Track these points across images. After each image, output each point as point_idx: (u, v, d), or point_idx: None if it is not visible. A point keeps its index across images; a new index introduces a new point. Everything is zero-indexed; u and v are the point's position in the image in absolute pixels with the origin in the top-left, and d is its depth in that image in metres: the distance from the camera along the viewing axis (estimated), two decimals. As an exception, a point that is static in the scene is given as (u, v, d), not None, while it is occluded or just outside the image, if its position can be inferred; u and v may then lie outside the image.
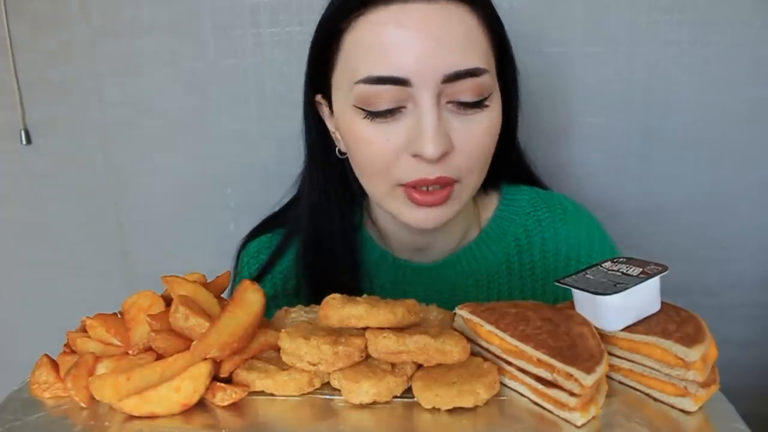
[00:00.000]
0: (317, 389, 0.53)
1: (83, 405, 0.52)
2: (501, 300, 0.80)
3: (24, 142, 1.17)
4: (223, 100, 1.13)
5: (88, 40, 1.13)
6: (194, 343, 0.52)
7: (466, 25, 0.66)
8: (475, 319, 0.54)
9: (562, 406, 0.48)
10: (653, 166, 1.06)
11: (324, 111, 0.77)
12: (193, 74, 1.12)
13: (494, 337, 0.53)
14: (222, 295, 0.63)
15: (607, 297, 0.50)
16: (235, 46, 1.10)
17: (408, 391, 0.51)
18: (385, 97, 0.66)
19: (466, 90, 0.66)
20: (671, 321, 0.51)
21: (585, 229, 0.83)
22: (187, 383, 0.50)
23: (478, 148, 0.69)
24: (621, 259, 0.56)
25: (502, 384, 0.52)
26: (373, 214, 0.84)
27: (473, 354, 0.54)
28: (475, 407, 0.49)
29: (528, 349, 0.49)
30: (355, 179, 0.77)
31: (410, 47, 0.64)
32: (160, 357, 0.54)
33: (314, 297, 0.78)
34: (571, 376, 0.46)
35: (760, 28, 1.00)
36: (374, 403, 0.50)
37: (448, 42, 0.65)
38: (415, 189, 0.69)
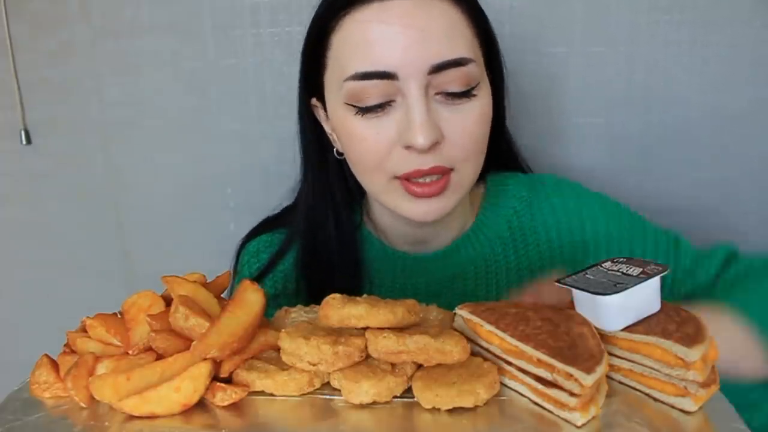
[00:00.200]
0: (317, 389, 0.53)
1: (83, 405, 0.52)
2: (500, 283, 0.81)
3: (24, 142, 1.18)
4: (223, 100, 1.13)
5: (88, 40, 1.13)
6: (194, 343, 0.52)
7: (449, 17, 0.68)
8: (475, 319, 0.54)
9: (562, 406, 0.48)
10: (653, 166, 1.06)
11: (320, 114, 0.79)
12: (193, 74, 1.12)
13: (494, 337, 0.53)
14: (222, 295, 0.63)
15: (607, 297, 0.50)
16: (235, 46, 1.10)
17: (408, 391, 0.51)
18: (373, 92, 0.67)
19: (453, 80, 0.67)
20: (671, 321, 0.51)
21: (570, 196, 0.84)
22: (187, 383, 0.50)
23: (470, 136, 0.70)
24: (621, 259, 0.56)
25: (502, 384, 0.52)
26: (371, 212, 0.85)
27: (473, 354, 0.54)
28: (475, 407, 0.49)
29: (528, 349, 0.49)
30: (354, 179, 0.78)
31: (395, 42, 0.66)
32: (160, 357, 0.54)
33: (314, 298, 0.79)
34: (571, 376, 0.46)
35: (760, 28, 1.00)
36: (374, 403, 0.50)
37: (431, 34, 0.66)
38: (412, 181, 0.70)
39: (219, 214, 1.18)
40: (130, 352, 0.55)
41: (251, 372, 0.53)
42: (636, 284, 0.51)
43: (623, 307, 0.51)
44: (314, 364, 0.52)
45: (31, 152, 1.19)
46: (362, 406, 0.51)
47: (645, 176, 1.07)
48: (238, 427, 0.49)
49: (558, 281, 0.54)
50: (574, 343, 0.49)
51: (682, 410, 0.49)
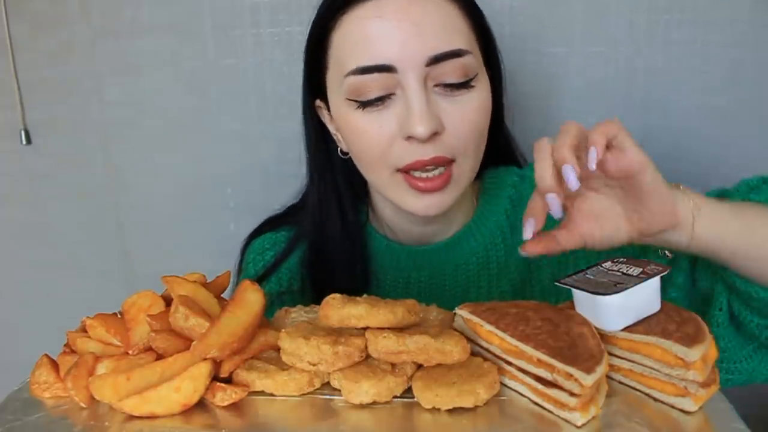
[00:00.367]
0: (317, 389, 0.53)
1: (83, 405, 0.52)
2: (501, 271, 0.82)
3: (24, 142, 1.18)
4: (223, 100, 1.13)
5: (88, 40, 1.13)
6: (194, 343, 0.52)
7: (444, 11, 0.69)
8: (475, 319, 0.54)
9: (562, 406, 0.48)
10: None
11: (324, 115, 0.80)
12: (193, 74, 1.12)
13: (494, 337, 0.53)
14: (222, 295, 0.63)
15: (607, 297, 0.50)
16: (235, 46, 1.10)
17: (408, 391, 0.51)
18: (373, 86, 0.69)
19: (450, 71, 0.69)
20: (671, 321, 0.51)
21: None
22: (187, 383, 0.50)
23: (470, 126, 0.71)
24: (621, 259, 0.56)
25: (502, 384, 0.52)
26: (376, 209, 0.86)
27: (473, 354, 0.54)
28: (475, 407, 0.49)
29: (528, 349, 0.49)
30: (359, 178, 0.79)
31: (392, 36, 0.67)
32: (160, 357, 0.54)
33: (320, 296, 0.79)
34: (571, 376, 0.46)
35: (760, 28, 1.00)
36: (374, 403, 0.50)
37: (428, 27, 0.68)
38: (415, 176, 0.71)
39: (219, 214, 1.18)
40: (130, 352, 0.55)
41: (251, 372, 0.53)
42: (636, 284, 0.51)
43: (623, 307, 0.51)
44: (314, 364, 0.52)
45: (31, 152, 1.19)
46: (362, 406, 0.51)
47: (645, 176, 1.07)
48: (238, 427, 0.49)
49: (558, 281, 0.54)
50: (574, 343, 0.49)
51: (682, 410, 0.49)
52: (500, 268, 0.83)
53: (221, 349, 0.52)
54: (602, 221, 0.60)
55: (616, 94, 1.05)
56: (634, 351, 0.51)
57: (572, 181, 0.54)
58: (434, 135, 0.69)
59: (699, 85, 1.03)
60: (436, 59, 0.68)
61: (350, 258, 0.83)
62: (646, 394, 0.51)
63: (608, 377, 0.53)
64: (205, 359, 0.51)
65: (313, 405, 0.52)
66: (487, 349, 0.54)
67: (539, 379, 0.49)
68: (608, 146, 0.56)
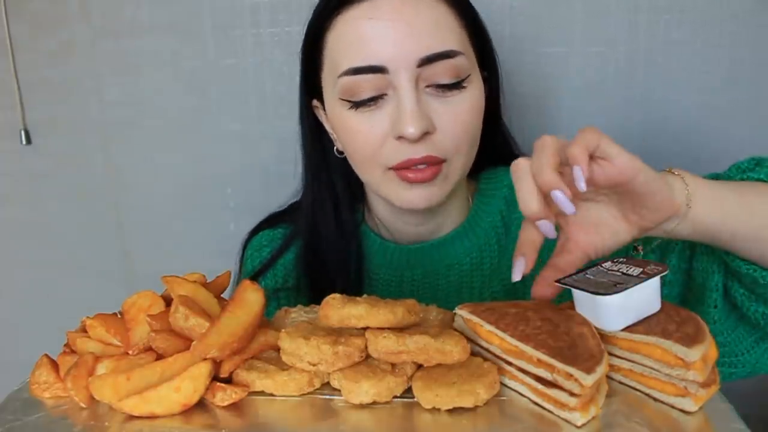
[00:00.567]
0: (317, 389, 0.53)
1: (83, 405, 0.52)
2: (495, 272, 0.82)
3: (24, 142, 1.18)
4: (223, 100, 1.13)
5: (88, 40, 1.13)
6: (194, 343, 0.52)
7: (436, 12, 0.70)
8: (475, 319, 0.54)
9: (562, 406, 0.48)
10: (653, 166, 1.06)
11: (321, 115, 0.81)
12: (193, 74, 1.12)
13: (494, 337, 0.53)
14: (222, 295, 0.63)
15: (607, 297, 0.50)
16: (235, 46, 1.10)
17: (408, 391, 0.51)
18: (365, 86, 0.69)
19: (442, 72, 0.69)
20: (671, 321, 0.51)
21: None
22: (187, 383, 0.50)
23: (462, 126, 0.71)
24: (621, 259, 0.56)
25: (502, 384, 0.52)
26: (372, 209, 0.86)
27: (473, 354, 0.54)
28: (475, 407, 0.49)
29: (528, 349, 0.49)
30: (354, 178, 0.80)
31: (384, 36, 0.68)
32: (160, 357, 0.54)
33: (314, 294, 0.80)
34: (571, 376, 0.46)
35: (760, 28, 1.00)
36: (374, 403, 0.50)
37: (419, 28, 0.68)
38: (406, 169, 0.71)
39: (219, 214, 1.18)
40: (130, 352, 0.55)
41: (251, 372, 0.53)
42: (636, 284, 0.51)
43: (623, 307, 0.51)
44: (314, 364, 0.52)
45: (31, 152, 1.19)
46: (362, 406, 0.51)
47: (645, 176, 1.07)
48: (238, 427, 0.49)
49: (558, 281, 0.54)
50: (574, 343, 0.49)
51: (682, 410, 0.49)
52: (493, 269, 0.83)
53: (221, 349, 0.52)
54: (601, 229, 0.59)
55: (615, 94, 1.05)
56: (634, 351, 0.51)
57: (568, 207, 0.52)
58: (425, 135, 0.69)
59: (699, 84, 1.04)
60: (428, 60, 0.68)
61: (344, 257, 0.83)
62: (646, 394, 0.51)
63: (608, 377, 0.53)
64: (205, 359, 0.51)
65: (313, 405, 0.52)
66: (487, 349, 0.54)
67: (539, 379, 0.49)
68: (591, 157, 0.53)
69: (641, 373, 0.51)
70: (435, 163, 0.71)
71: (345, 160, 0.79)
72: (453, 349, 0.51)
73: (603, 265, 0.56)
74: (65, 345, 0.59)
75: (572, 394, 0.47)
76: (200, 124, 1.15)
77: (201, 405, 0.52)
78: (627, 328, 0.51)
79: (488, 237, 0.83)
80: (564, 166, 0.53)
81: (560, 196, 0.52)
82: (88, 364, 0.54)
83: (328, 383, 0.53)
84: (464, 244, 0.83)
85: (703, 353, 0.48)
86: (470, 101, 0.72)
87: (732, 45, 1.01)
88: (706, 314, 0.66)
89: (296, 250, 0.86)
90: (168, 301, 0.59)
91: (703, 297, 0.67)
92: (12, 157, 1.19)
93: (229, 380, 0.53)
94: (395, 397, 0.51)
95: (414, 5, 0.69)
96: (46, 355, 0.58)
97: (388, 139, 0.71)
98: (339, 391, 0.52)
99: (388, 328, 0.52)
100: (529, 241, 0.57)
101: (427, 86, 0.70)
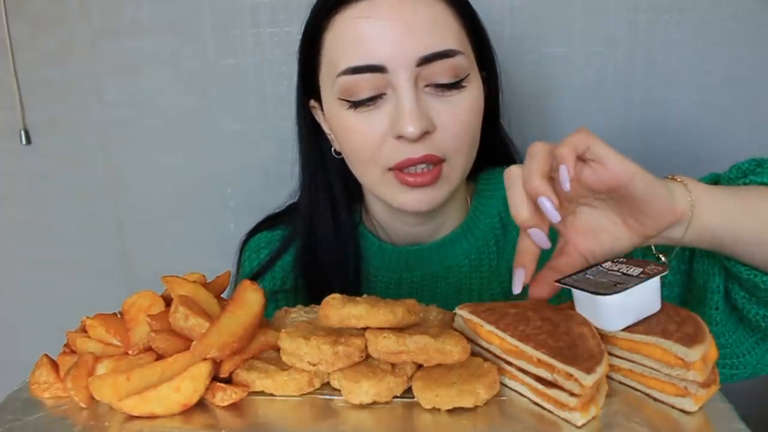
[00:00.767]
0: (317, 389, 0.53)
1: (83, 405, 0.52)
2: (493, 274, 0.82)
3: (24, 142, 1.18)
4: (223, 100, 1.13)
5: (88, 40, 1.13)
6: (194, 343, 0.52)
7: (434, 10, 0.69)
8: (475, 319, 0.54)
9: (562, 406, 0.48)
10: (653, 166, 1.06)
11: (319, 115, 0.80)
12: (193, 74, 1.12)
13: (494, 337, 0.53)
14: (222, 295, 0.63)
15: (607, 297, 0.50)
16: (235, 46, 1.10)
17: (408, 391, 0.51)
18: (364, 86, 0.69)
19: (441, 72, 0.69)
20: (671, 321, 0.51)
21: None
22: (187, 383, 0.50)
23: (462, 126, 0.71)
24: (621, 259, 0.56)
25: (502, 384, 0.52)
26: (370, 210, 0.86)
27: (473, 354, 0.54)
28: (475, 407, 0.49)
29: (528, 349, 0.49)
30: (352, 179, 0.80)
31: (383, 35, 0.68)
32: (160, 357, 0.54)
33: (312, 296, 0.80)
34: (571, 376, 0.46)
35: (760, 27, 1.00)
36: (374, 403, 0.50)
37: (418, 27, 0.68)
38: (405, 171, 0.71)
39: (219, 214, 1.18)
40: (130, 352, 0.55)
41: (251, 372, 0.53)
42: (636, 284, 0.51)
43: (623, 307, 0.51)
44: (314, 364, 0.52)
45: (31, 152, 1.19)
46: (362, 406, 0.51)
47: (645, 176, 1.07)
48: (238, 427, 0.49)
49: (558, 281, 0.54)
50: (574, 343, 0.49)
51: (682, 410, 0.49)
52: (492, 270, 0.83)
53: (221, 349, 0.52)
54: (600, 234, 0.58)
55: (615, 93, 1.05)
56: (634, 351, 0.51)
57: (552, 214, 0.51)
58: (425, 135, 0.69)
59: (698, 84, 1.04)
60: (427, 59, 0.68)
61: (342, 258, 0.83)
62: (646, 394, 0.51)
63: (608, 377, 0.53)
64: (205, 359, 0.51)
65: (313, 405, 0.52)
66: (487, 349, 0.54)
67: (539, 379, 0.49)
68: (583, 159, 0.53)
69: (641, 373, 0.51)
70: (434, 162, 0.70)
71: (342, 160, 0.79)
72: (453, 349, 0.51)
73: (603, 265, 0.56)
74: (65, 345, 0.59)
75: (572, 394, 0.47)
76: (200, 124, 1.15)
77: (201, 405, 0.52)
78: (627, 328, 0.51)
79: (487, 238, 0.83)
80: (555, 172, 0.53)
81: (546, 204, 0.51)
82: (88, 364, 0.54)
83: (328, 383, 0.53)
84: (463, 246, 0.83)
85: (703, 353, 0.48)
86: (470, 101, 0.71)
87: (731, 44, 1.01)
88: (708, 316, 0.66)
89: (294, 252, 0.86)
90: (168, 301, 0.59)
91: (704, 299, 0.67)
92: (12, 157, 1.20)
93: (229, 380, 0.53)
94: (395, 397, 0.51)
95: (412, 4, 0.68)
96: (46, 355, 0.58)
97: (387, 138, 0.70)
98: (339, 391, 0.52)
99: (388, 328, 0.52)
100: (527, 250, 0.56)
101: (426, 86, 0.69)
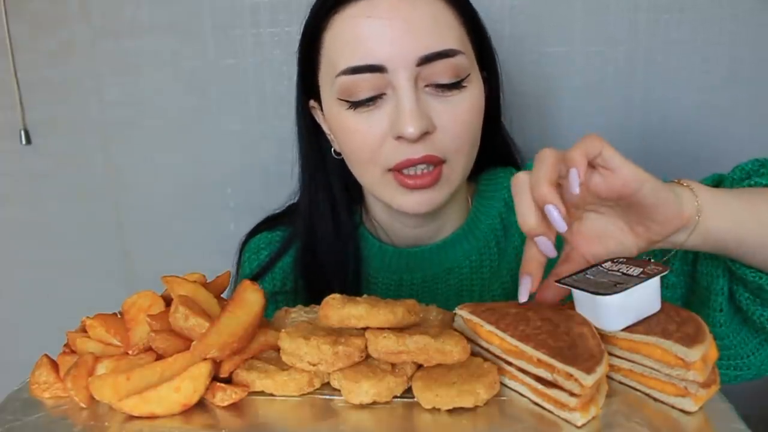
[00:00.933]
0: (317, 389, 0.53)
1: (83, 405, 0.52)
2: (494, 275, 0.81)
3: (24, 142, 1.18)
4: (223, 100, 1.13)
5: (88, 40, 1.13)
6: (194, 343, 0.52)
7: (434, 9, 0.69)
8: (475, 319, 0.54)
9: (562, 406, 0.48)
10: (653, 166, 1.06)
11: (319, 115, 0.80)
12: (193, 74, 1.12)
13: (494, 337, 0.53)
14: (222, 295, 0.63)
15: (607, 297, 0.50)
16: (235, 46, 1.10)
17: (408, 391, 0.51)
18: (364, 86, 0.69)
19: (441, 71, 0.68)
20: (671, 321, 0.51)
21: None
22: (187, 383, 0.50)
23: (462, 126, 0.71)
24: (621, 259, 0.56)
25: (502, 384, 0.52)
26: (370, 212, 0.85)
27: (473, 354, 0.54)
28: (475, 407, 0.49)
29: (528, 349, 0.49)
30: (352, 179, 0.79)
31: (382, 35, 0.67)
32: (160, 357, 0.54)
33: (312, 296, 0.80)
34: (571, 376, 0.46)
35: (760, 27, 1.00)
36: (374, 403, 0.50)
37: (418, 26, 0.67)
38: (404, 173, 0.71)
39: (219, 214, 1.18)
40: (130, 352, 0.55)
41: (251, 372, 0.53)
42: (636, 284, 0.51)
43: (623, 307, 0.51)
44: (314, 364, 0.52)
45: (31, 152, 1.19)
46: (362, 406, 0.51)
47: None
48: (238, 427, 0.49)
49: (558, 281, 0.54)
50: (574, 343, 0.49)
51: (682, 410, 0.49)
52: (493, 272, 0.82)
53: (221, 349, 0.52)
54: (606, 240, 0.58)
55: (616, 93, 1.05)
56: (634, 351, 0.51)
57: (559, 223, 0.51)
58: (425, 135, 0.68)
59: (698, 83, 1.04)
60: (427, 59, 0.67)
61: (342, 260, 0.82)
62: (646, 394, 0.51)
63: (608, 377, 0.53)
64: (205, 359, 0.51)
65: (313, 405, 0.52)
66: (487, 349, 0.54)
67: (539, 379, 0.49)
68: (593, 165, 0.52)
69: (641, 373, 0.51)
70: (434, 163, 0.70)
71: (343, 161, 0.79)
72: (453, 349, 0.51)
73: (603, 265, 0.56)
74: (65, 345, 0.59)
75: (572, 394, 0.47)
76: (200, 124, 1.15)
77: (201, 405, 0.52)
78: (627, 328, 0.51)
79: (488, 239, 0.82)
80: (564, 179, 0.52)
81: (553, 212, 0.51)
82: (88, 364, 0.54)
83: (328, 383, 0.53)
84: (464, 247, 0.82)
85: (703, 353, 0.48)
86: (470, 101, 0.71)
87: (732, 44, 1.01)
88: (711, 318, 0.66)
89: (294, 253, 0.85)
90: (168, 301, 0.59)
91: (708, 300, 0.67)
92: (12, 157, 1.19)
93: (229, 380, 0.53)
94: (395, 397, 0.51)
95: (411, 2, 0.68)
96: (46, 355, 0.58)
97: (387, 139, 0.70)
98: (339, 391, 0.52)
99: (388, 328, 0.52)
100: (534, 258, 0.55)
101: (427, 86, 0.69)
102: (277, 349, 0.54)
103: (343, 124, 0.72)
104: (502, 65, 0.81)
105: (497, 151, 0.84)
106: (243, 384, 0.53)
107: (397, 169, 0.71)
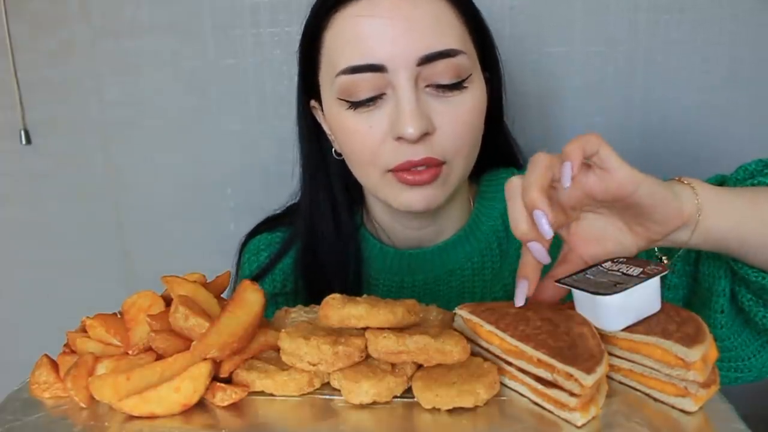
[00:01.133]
0: (317, 389, 0.53)
1: (83, 405, 0.52)
2: (496, 277, 0.81)
3: (24, 142, 1.18)
4: (223, 100, 1.13)
5: (88, 40, 1.13)
6: (194, 343, 0.52)
7: (436, 9, 0.68)
8: (475, 319, 0.54)
9: (562, 406, 0.48)
10: (653, 166, 1.06)
11: (319, 115, 0.79)
12: (193, 74, 1.12)
13: (494, 337, 0.53)
14: (222, 295, 0.63)
15: (607, 297, 0.50)
16: (235, 46, 1.10)
17: (408, 391, 0.51)
18: (364, 86, 0.68)
19: (442, 72, 0.68)
20: (671, 321, 0.51)
21: None
22: (187, 383, 0.50)
23: (463, 127, 0.70)
24: (621, 259, 0.56)
25: (502, 384, 0.52)
26: (372, 213, 0.85)
27: (473, 354, 0.54)
28: (475, 407, 0.49)
29: (528, 349, 0.49)
30: (353, 180, 0.79)
31: (383, 34, 0.67)
32: (160, 357, 0.54)
33: (312, 297, 0.79)
34: (571, 376, 0.46)
35: (760, 27, 1.00)
36: (374, 403, 0.50)
37: (419, 26, 0.67)
38: (404, 171, 0.70)
39: (219, 214, 1.18)
40: (130, 352, 0.55)
41: (251, 372, 0.53)
42: (636, 284, 0.51)
43: (623, 307, 0.51)
44: (314, 364, 0.52)
45: (31, 152, 1.19)
46: (362, 406, 0.51)
47: (645, 176, 1.07)
48: (238, 427, 0.49)
49: (558, 281, 0.54)
50: (574, 343, 0.49)
51: (682, 410, 0.49)
52: (495, 274, 0.82)
53: (221, 349, 0.52)
54: (604, 242, 0.57)
55: (616, 93, 1.05)
56: (634, 351, 0.51)
57: (544, 229, 0.50)
58: (425, 136, 0.68)
59: (698, 83, 1.04)
60: (428, 59, 0.67)
61: (343, 260, 0.82)
62: (646, 395, 0.51)
63: (608, 377, 0.53)
64: (205, 359, 0.51)
65: (313, 405, 0.52)
66: (487, 349, 0.54)
67: (539, 379, 0.49)
68: (589, 165, 0.52)
69: (641, 373, 0.51)
70: (434, 165, 0.69)
71: (343, 162, 0.78)
72: (453, 349, 0.51)
73: (603, 265, 0.56)
74: (65, 345, 0.59)
75: (572, 394, 0.47)
76: (200, 124, 1.15)
77: (201, 405, 0.52)
78: (627, 328, 0.51)
79: (489, 241, 0.82)
80: (558, 182, 0.52)
81: (540, 218, 0.50)
82: (88, 364, 0.54)
83: (328, 383, 0.53)
84: (465, 249, 0.82)
85: (703, 353, 0.48)
86: (471, 102, 0.70)
87: (732, 44, 1.01)
88: (713, 319, 0.66)
89: (295, 253, 0.85)
90: (168, 301, 0.59)
91: (709, 302, 0.66)
92: (12, 157, 1.20)
93: (229, 380, 0.53)
94: (395, 397, 0.51)
95: (413, 1, 0.67)
96: (46, 355, 0.58)
97: (387, 139, 0.69)
98: (339, 391, 0.52)
99: (388, 328, 0.52)
100: (530, 263, 0.55)
101: (427, 86, 0.68)
102: (277, 349, 0.54)
103: (343, 124, 0.71)
104: (502, 65, 0.81)
105: (499, 152, 0.84)
106: (243, 384, 0.53)
107: (397, 170, 0.70)
